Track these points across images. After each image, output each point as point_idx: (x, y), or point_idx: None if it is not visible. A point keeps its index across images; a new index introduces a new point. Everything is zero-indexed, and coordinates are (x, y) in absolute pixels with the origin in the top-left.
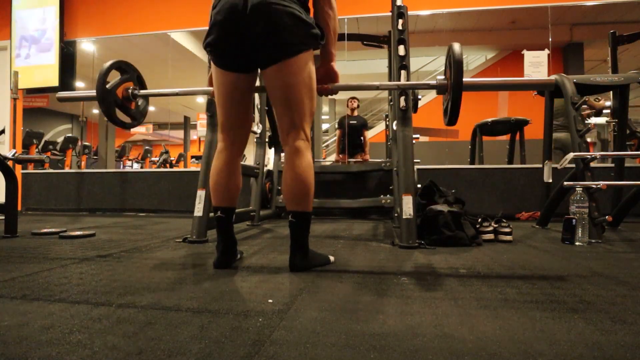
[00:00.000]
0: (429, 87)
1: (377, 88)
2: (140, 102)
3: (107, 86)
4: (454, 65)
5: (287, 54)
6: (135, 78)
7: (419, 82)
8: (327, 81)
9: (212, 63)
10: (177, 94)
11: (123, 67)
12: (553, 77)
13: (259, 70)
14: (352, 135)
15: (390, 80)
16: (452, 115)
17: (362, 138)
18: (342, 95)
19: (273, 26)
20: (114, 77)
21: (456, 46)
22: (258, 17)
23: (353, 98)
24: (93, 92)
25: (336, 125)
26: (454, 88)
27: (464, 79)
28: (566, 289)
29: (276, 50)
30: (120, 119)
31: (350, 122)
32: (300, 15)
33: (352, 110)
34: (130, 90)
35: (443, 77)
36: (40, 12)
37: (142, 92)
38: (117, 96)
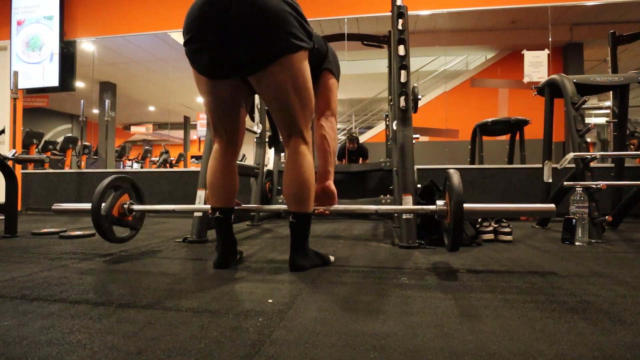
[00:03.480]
0: (429, 211)
1: (375, 212)
2: (136, 212)
3: (102, 210)
4: (454, 195)
5: (279, 49)
6: (130, 189)
7: (419, 207)
8: (325, 201)
9: (193, 70)
10: (173, 211)
11: (117, 183)
12: (553, 77)
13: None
14: (351, 161)
15: (390, 79)
16: (454, 241)
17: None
18: (341, 95)
19: (258, 12)
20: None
21: (455, 177)
22: (237, 15)
23: (352, 140)
24: (88, 206)
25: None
26: (454, 214)
27: (464, 206)
28: (566, 289)
29: (265, 45)
30: (117, 236)
31: (350, 152)
32: (291, 1)
33: (352, 147)
34: (126, 206)
35: (442, 202)
36: (41, 11)
37: (138, 207)
38: (113, 216)
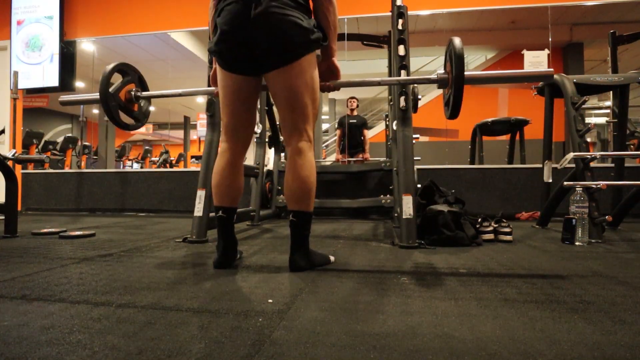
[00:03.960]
0: (429, 81)
1: (378, 84)
2: (142, 103)
3: (110, 90)
4: (455, 59)
5: (288, 59)
6: (137, 79)
7: (420, 77)
8: (329, 77)
9: (218, 66)
10: (179, 95)
11: (124, 69)
12: (553, 77)
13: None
14: (352, 134)
15: None
16: (453, 108)
17: (362, 137)
18: (342, 95)
19: (274, 34)
20: (116, 78)
21: (457, 41)
22: (261, 25)
23: (352, 98)
24: (95, 95)
25: (336, 125)
26: (455, 81)
27: (465, 73)
28: (566, 289)
29: (278, 57)
30: (123, 121)
31: (350, 121)
32: (301, 23)
33: (352, 110)
34: (132, 93)
35: (443, 71)
36: (41, 11)
37: (145, 93)
38: (120, 99)
